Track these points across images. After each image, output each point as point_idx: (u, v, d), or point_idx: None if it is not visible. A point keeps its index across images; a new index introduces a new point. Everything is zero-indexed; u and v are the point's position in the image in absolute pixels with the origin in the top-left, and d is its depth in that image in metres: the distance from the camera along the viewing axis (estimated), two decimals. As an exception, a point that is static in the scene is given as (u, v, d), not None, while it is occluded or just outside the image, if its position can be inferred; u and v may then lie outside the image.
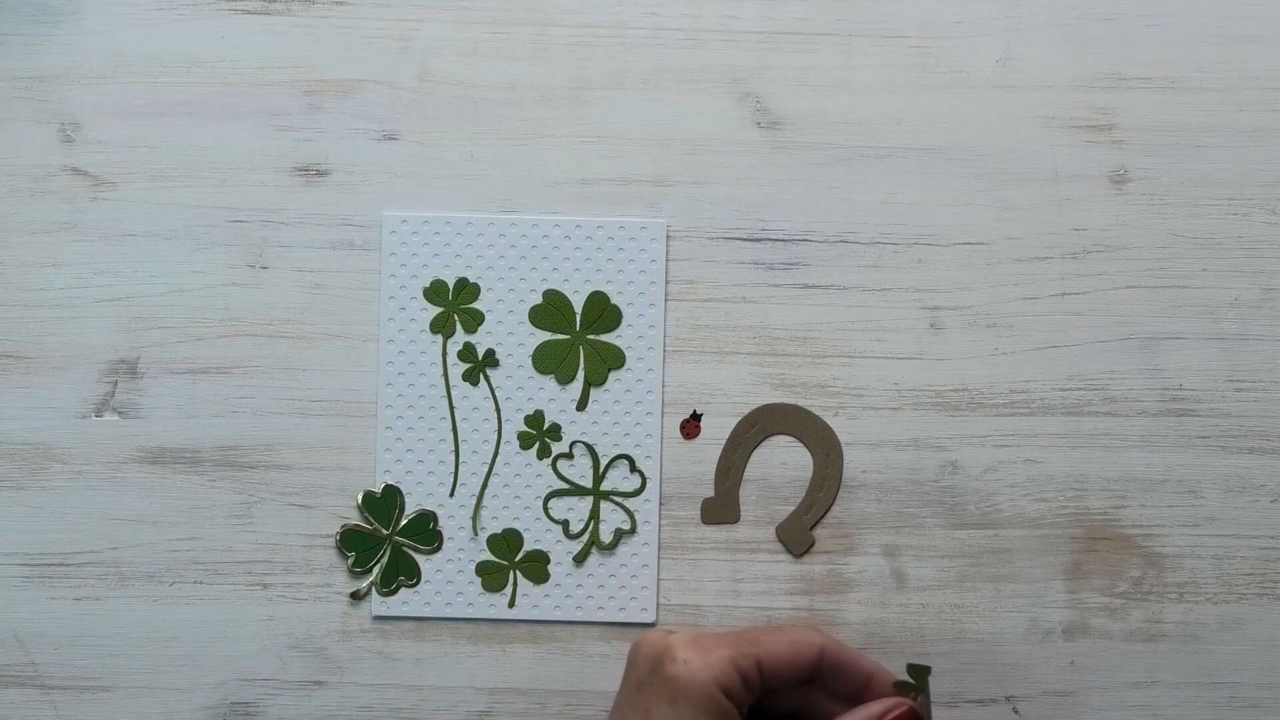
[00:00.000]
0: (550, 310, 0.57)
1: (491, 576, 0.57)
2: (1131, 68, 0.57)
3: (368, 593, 0.57)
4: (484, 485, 0.57)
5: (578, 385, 0.57)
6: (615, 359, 0.57)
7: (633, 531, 0.57)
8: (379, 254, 0.57)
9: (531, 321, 0.57)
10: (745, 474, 0.57)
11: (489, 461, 0.57)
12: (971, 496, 0.57)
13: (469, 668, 0.57)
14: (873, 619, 0.57)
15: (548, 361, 0.57)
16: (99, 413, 0.57)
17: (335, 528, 0.57)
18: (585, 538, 0.57)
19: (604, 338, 0.57)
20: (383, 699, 0.57)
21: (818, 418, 0.57)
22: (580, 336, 0.57)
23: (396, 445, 0.57)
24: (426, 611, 0.57)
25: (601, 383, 0.57)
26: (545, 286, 0.57)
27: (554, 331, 0.57)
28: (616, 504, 0.57)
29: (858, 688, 0.50)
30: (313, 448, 0.57)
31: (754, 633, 0.49)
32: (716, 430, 0.57)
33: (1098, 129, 0.57)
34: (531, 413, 0.57)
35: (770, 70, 0.57)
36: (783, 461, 0.57)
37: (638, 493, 0.57)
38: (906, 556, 0.57)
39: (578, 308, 0.57)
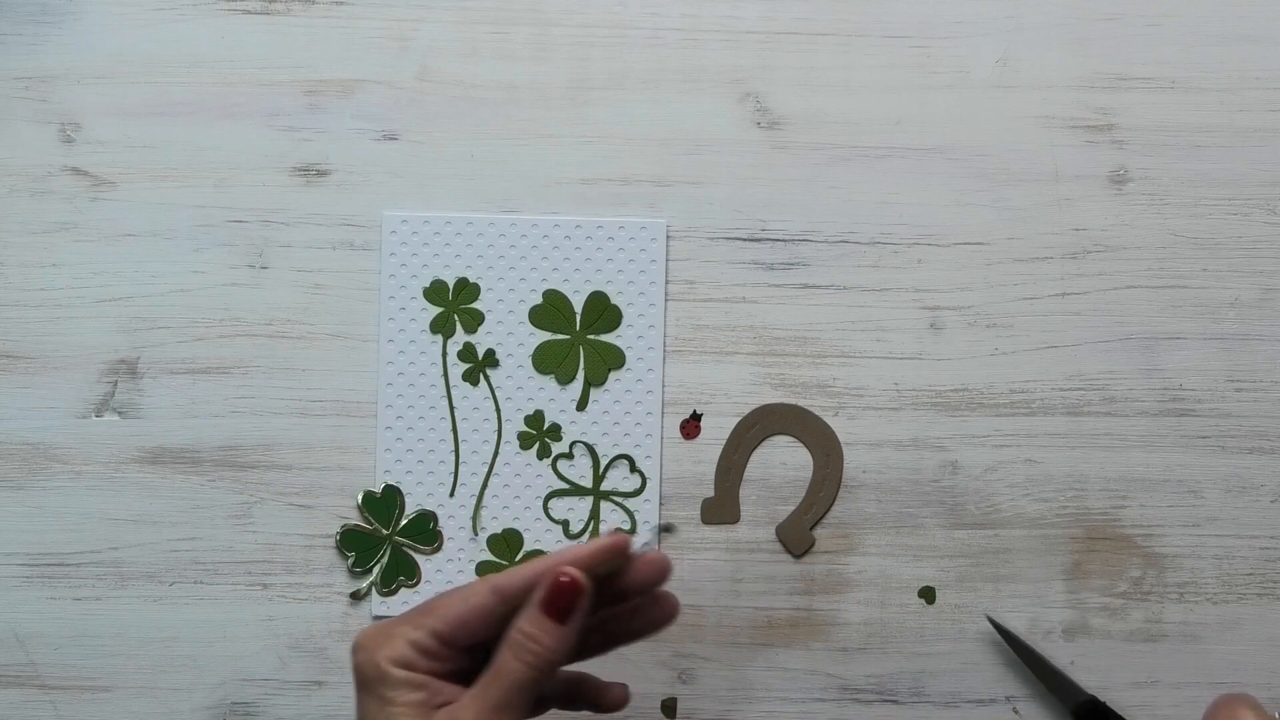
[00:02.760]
0: (550, 310, 0.57)
1: (491, 576, 0.57)
2: (1131, 68, 0.57)
3: (368, 593, 0.57)
4: (484, 485, 0.57)
5: (578, 385, 0.57)
6: (615, 359, 0.57)
7: (633, 531, 0.57)
8: (379, 254, 0.57)
9: (531, 321, 0.57)
10: (745, 474, 0.57)
11: (489, 461, 0.57)
12: (971, 496, 0.57)
13: (469, 668, 0.57)
14: (873, 619, 0.57)
15: (548, 361, 0.57)
16: (99, 413, 0.57)
17: (335, 528, 0.57)
18: (585, 538, 0.57)
19: (604, 338, 0.57)
20: (383, 699, 0.57)
21: (818, 418, 0.57)
22: (580, 336, 0.57)
23: (396, 445, 0.57)
24: (426, 611, 0.57)
25: (601, 383, 0.57)
26: (545, 286, 0.57)
27: (554, 331, 0.57)
28: (616, 504, 0.57)
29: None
30: (313, 448, 0.57)
31: (431, 602, 0.46)
32: (716, 430, 0.57)
33: (1098, 129, 0.57)
34: (531, 413, 0.57)
35: (770, 70, 0.57)
36: (783, 461, 0.57)
37: (638, 493, 0.57)
38: (907, 557, 0.57)
39: (578, 308, 0.57)
